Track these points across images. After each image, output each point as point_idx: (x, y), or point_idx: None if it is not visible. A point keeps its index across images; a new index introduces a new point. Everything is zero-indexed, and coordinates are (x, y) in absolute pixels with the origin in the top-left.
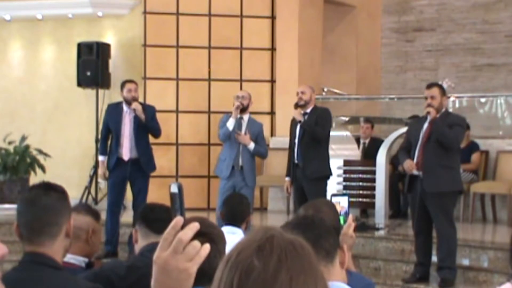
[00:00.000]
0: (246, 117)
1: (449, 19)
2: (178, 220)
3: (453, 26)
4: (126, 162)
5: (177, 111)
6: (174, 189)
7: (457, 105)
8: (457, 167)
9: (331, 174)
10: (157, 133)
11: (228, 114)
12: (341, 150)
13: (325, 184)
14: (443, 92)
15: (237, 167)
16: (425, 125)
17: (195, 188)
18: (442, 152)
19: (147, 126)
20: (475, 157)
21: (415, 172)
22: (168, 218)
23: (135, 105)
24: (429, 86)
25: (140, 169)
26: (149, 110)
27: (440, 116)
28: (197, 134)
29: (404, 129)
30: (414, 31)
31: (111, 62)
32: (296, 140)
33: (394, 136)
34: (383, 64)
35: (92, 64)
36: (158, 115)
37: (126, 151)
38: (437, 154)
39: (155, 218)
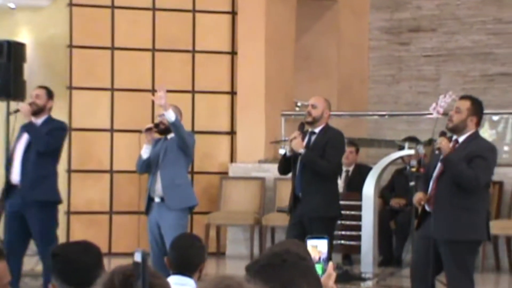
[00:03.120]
0: (171, 135)
1: (453, 17)
2: None
3: (458, 26)
4: (19, 188)
5: (111, 130)
6: (137, 257)
7: None
8: (479, 209)
9: (339, 215)
10: (40, 144)
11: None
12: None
13: (331, 228)
14: (475, 109)
15: (155, 197)
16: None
17: (133, 228)
18: (458, 190)
19: (37, 139)
20: None
21: (426, 207)
22: (96, 263)
23: (20, 106)
24: (462, 97)
25: (31, 196)
26: (52, 125)
27: (464, 141)
28: (136, 159)
29: (397, 154)
30: (410, 31)
31: (26, 67)
32: (297, 171)
33: (384, 162)
34: (371, 73)
35: (2, 69)
36: (86, 135)
37: (15, 175)
38: (452, 192)
39: (75, 268)
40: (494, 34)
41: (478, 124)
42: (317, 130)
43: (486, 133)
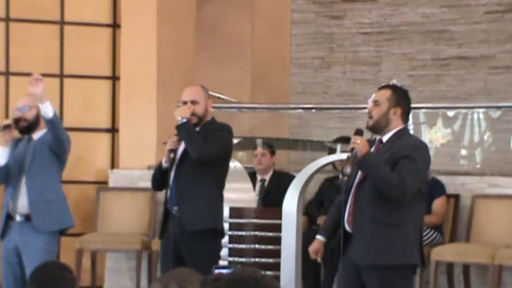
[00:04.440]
0: (38, 134)
1: None
2: None
3: None
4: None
5: None
6: None
7: (409, 121)
8: (408, 225)
9: (222, 228)
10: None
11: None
12: (225, 192)
13: (215, 244)
14: (397, 98)
15: (17, 216)
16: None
17: None
18: (381, 202)
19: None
20: (438, 205)
21: (318, 259)
22: None
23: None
24: (380, 88)
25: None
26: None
27: (389, 140)
28: None
29: (326, 159)
30: (344, 1)
31: None
32: (173, 172)
33: (310, 169)
34: (294, 54)
35: None
36: None
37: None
38: (374, 204)
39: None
40: (449, 6)
41: (406, 117)
42: (198, 128)
43: (439, 132)
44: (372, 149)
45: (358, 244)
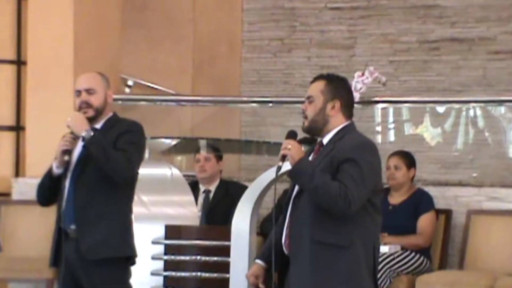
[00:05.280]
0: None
1: None
2: None
3: None
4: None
5: None
6: None
7: (390, 118)
8: (362, 246)
9: (134, 255)
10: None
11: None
12: (159, 206)
13: (122, 273)
14: (334, 89)
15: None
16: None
17: None
18: (324, 220)
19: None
20: (424, 222)
21: (260, 285)
22: None
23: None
24: (312, 80)
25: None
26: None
27: (330, 141)
28: None
29: (287, 165)
30: None
31: None
32: (68, 180)
33: (266, 179)
34: (246, 35)
35: None
36: None
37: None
38: (314, 224)
39: None
40: None
41: (348, 111)
42: (99, 125)
43: (426, 132)
44: (311, 155)
45: (296, 270)
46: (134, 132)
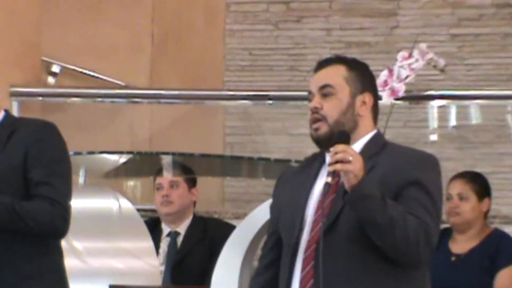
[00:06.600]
0: None
1: None
2: None
3: None
4: None
5: None
6: None
7: (452, 121)
8: None
9: None
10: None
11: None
12: (101, 257)
13: None
14: (360, 76)
15: None
16: (319, 186)
17: None
18: (385, 271)
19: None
20: (504, 280)
21: None
22: None
23: None
24: (324, 62)
25: None
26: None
27: (366, 152)
28: None
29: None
30: None
31: None
32: None
33: (263, 214)
34: (230, 16)
35: None
36: None
37: None
38: (371, 276)
39: None
40: None
41: (376, 113)
42: None
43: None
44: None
45: None
46: (49, 140)
